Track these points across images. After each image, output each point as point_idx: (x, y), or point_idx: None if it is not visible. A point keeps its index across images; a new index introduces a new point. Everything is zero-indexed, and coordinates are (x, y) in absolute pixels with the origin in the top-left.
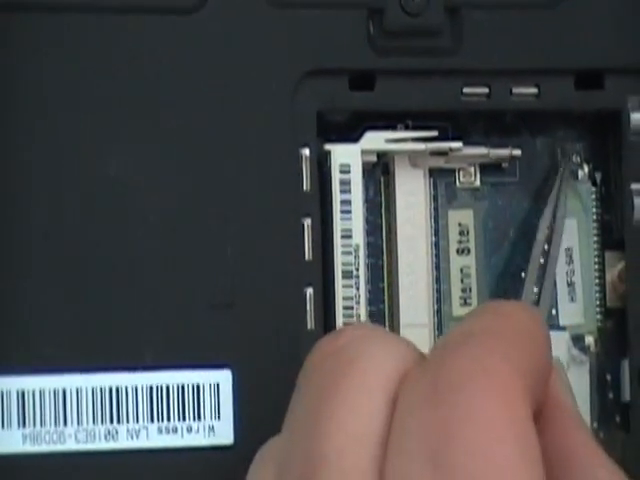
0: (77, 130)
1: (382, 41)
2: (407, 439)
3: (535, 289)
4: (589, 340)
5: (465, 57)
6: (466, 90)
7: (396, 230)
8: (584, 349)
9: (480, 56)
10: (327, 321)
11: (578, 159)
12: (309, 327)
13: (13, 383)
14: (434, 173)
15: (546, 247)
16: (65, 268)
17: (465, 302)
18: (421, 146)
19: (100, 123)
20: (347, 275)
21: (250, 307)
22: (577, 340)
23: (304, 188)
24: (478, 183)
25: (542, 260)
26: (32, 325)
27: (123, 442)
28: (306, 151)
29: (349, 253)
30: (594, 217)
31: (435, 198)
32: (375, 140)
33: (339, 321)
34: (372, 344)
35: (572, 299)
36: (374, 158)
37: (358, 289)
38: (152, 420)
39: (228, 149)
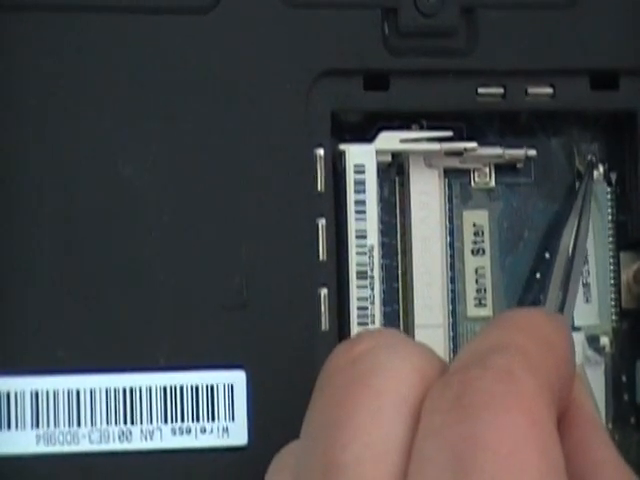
0: (91, 131)
1: (396, 41)
2: (432, 451)
3: (559, 294)
4: (604, 341)
5: (480, 57)
6: (481, 90)
7: (411, 230)
8: (599, 350)
9: (495, 56)
10: (341, 322)
11: (593, 159)
12: (323, 328)
13: (27, 384)
14: (449, 173)
15: (570, 253)
16: (79, 270)
17: (480, 303)
18: (436, 146)
19: (115, 123)
20: (362, 276)
21: (264, 308)
22: (592, 341)
23: (318, 188)
24: (493, 183)
25: (566, 266)
26: (46, 326)
27: (137, 443)
28: (320, 151)
29: (364, 253)
30: (609, 217)
31: (450, 198)
32: (390, 140)
33: (353, 322)
34: (393, 353)
35: (587, 300)
36: (389, 158)
37: (373, 290)
38: (166, 421)
39: (242, 149)
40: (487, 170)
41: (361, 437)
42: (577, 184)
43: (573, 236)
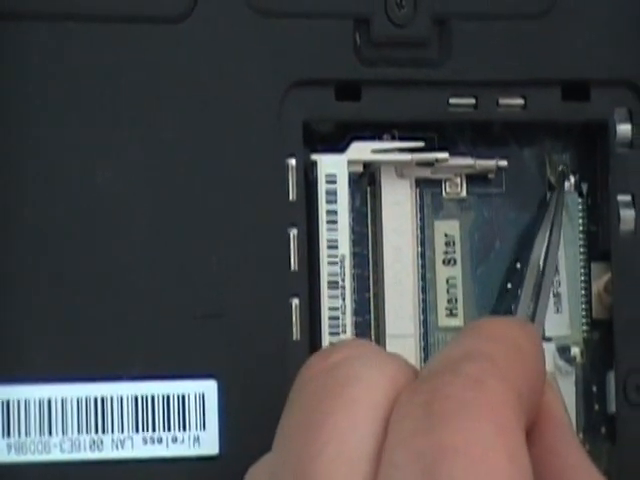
0: (63, 139)
1: (368, 51)
2: (401, 459)
3: (531, 305)
4: (575, 351)
5: (452, 68)
6: (453, 101)
7: (382, 240)
8: (570, 360)
9: (467, 67)
10: (313, 331)
11: (565, 170)
12: (295, 337)
13: None
14: (420, 183)
15: (541, 264)
16: (51, 278)
17: (451, 312)
18: (407, 157)
19: (86, 132)
20: (333, 285)
21: (236, 317)
22: (563, 351)
23: (290, 198)
24: (464, 194)
25: (537, 277)
26: (17, 335)
27: (108, 452)
28: (292, 161)
29: (335, 263)
30: (580, 228)
31: (421, 208)
32: (361, 150)
33: (325, 332)
34: (366, 363)
35: (558, 310)
36: (360, 168)
37: (344, 299)
38: (137, 430)
39: (214, 159)
40: (459, 180)
41: (333, 445)
42: (548, 195)
43: (544, 247)
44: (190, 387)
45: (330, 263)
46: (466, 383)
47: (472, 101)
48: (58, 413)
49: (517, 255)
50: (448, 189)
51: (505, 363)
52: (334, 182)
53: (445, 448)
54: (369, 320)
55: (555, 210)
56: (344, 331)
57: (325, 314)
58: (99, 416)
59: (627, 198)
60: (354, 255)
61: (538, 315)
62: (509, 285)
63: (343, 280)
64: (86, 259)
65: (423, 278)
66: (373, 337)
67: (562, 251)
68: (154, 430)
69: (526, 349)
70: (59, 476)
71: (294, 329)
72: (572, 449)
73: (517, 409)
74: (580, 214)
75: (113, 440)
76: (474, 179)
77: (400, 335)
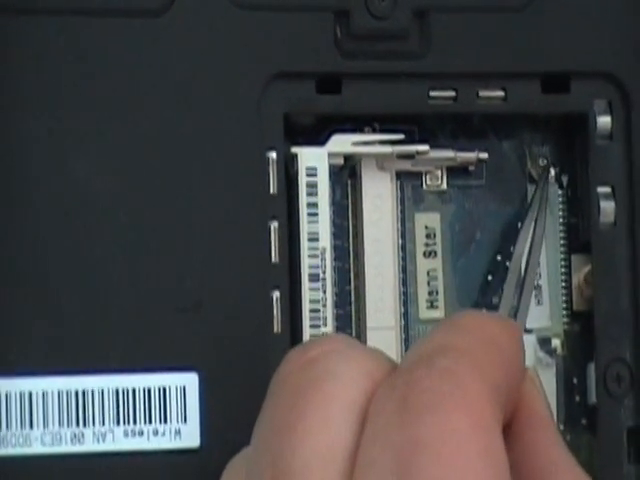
0: (42, 133)
1: (349, 44)
2: (376, 454)
3: (514, 300)
4: (555, 343)
5: (432, 60)
6: (433, 93)
7: (363, 233)
8: (550, 352)
9: (447, 59)
10: (294, 324)
11: (545, 162)
12: (276, 330)
13: None
14: (401, 176)
15: (525, 259)
16: (30, 271)
17: (432, 305)
18: (388, 149)
19: (66, 125)
20: (314, 278)
21: (216, 310)
22: (543, 343)
23: (271, 191)
24: (445, 186)
25: (520, 272)
26: None
27: (89, 445)
28: (273, 154)
29: (316, 256)
30: (560, 220)
31: (402, 201)
32: (342, 143)
33: (306, 324)
34: (344, 358)
35: (539, 302)
36: (341, 161)
37: (325, 292)
38: (118, 423)
39: (195, 152)
40: (439, 173)
41: (310, 442)
42: (529, 187)
43: (528, 242)
44: (171, 380)
45: (311, 256)
46: (441, 377)
47: (452, 94)
48: (39, 406)
49: (498, 247)
50: (428, 181)
51: (481, 356)
52: (315, 175)
53: (419, 442)
54: (350, 312)
55: (539, 205)
56: (325, 324)
57: (306, 307)
58: (80, 409)
59: (607, 190)
60: (335, 248)
61: (521, 310)
62: (490, 277)
63: (324, 273)
64: (66, 253)
65: (404, 270)
66: (354, 330)
67: (542, 243)
68: (135, 423)
69: (503, 343)
70: (40, 469)
71: (275, 322)
72: (553, 446)
73: (493, 402)
74: (560, 206)
75: (94, 433)
76: (454, 171)
77: (381, 327)
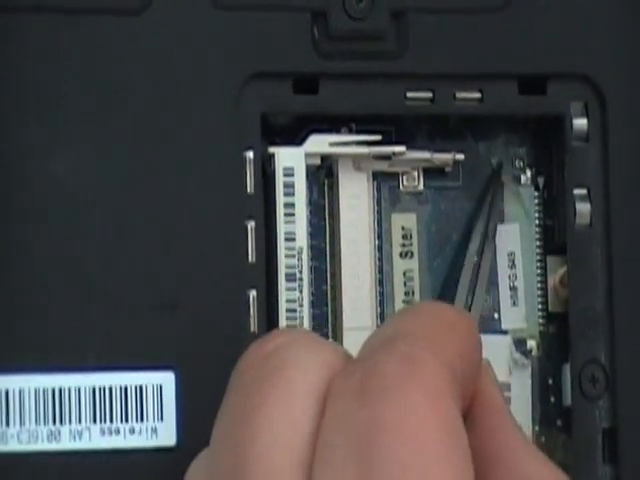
0: (24, 131)
1: (326, 45)
2: (336, 438)
3: (468, 296)
4: (531, 344)
5: (409, 61)
6: (410, 94)
7: (340, 233)
8: (526, 353)
9: (424, 60)
10: (270, 324)
11: (521, 164)
12: (252, 329)
13: None
14: (378, 177)
15: (477, 257)
16: (8, 268)
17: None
18: (365, 150)
19: (47, 124)
20: (291, 278)
21: (193, 309)
22: (519, 344)
23: (248, 191)
24: (421, 187)
25: (474, 269)
26: None
27: (66, 443)
28: (250, 154)
29: (293, 256)
30: (536, 222)
31: (378, 201)
32: (319, 143)
33: (282, 324)
34: (299, 350)
35: (514, 303)
36: (318, 161)
37: (301, 292)
38: (95, 421)
39: (172, 151)
40: (416, 174)
41: (270, 427)
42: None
43: (479, 240)
44: (148, 378)
45: (288, 256)
46: (400, 360)
47: (429, 95)
48: (15, 404)
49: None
50: (405, 182)
51: (438, 339)
52: (292, 175)
53: (378, 423)
54: (326, 312)
55: (491, 201)
56: (301, 323)
57: (282, 306)
58: (57, 407)
59: (583, 192)
60: (312, 248)
61: (474, 306)
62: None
63: (301, 272)
64: (42, 252)
65: (380, 271)
66: (330, 330)
67: (518, 244)
68: (112, 421)
69: (460, 328)
70: (16, 467)
71: (251, 321)
72: (510, 432)
73: (450, 382)
74: (536, 208)
75: (71, 431)
76: (431, 172)
77: (357, 328)
